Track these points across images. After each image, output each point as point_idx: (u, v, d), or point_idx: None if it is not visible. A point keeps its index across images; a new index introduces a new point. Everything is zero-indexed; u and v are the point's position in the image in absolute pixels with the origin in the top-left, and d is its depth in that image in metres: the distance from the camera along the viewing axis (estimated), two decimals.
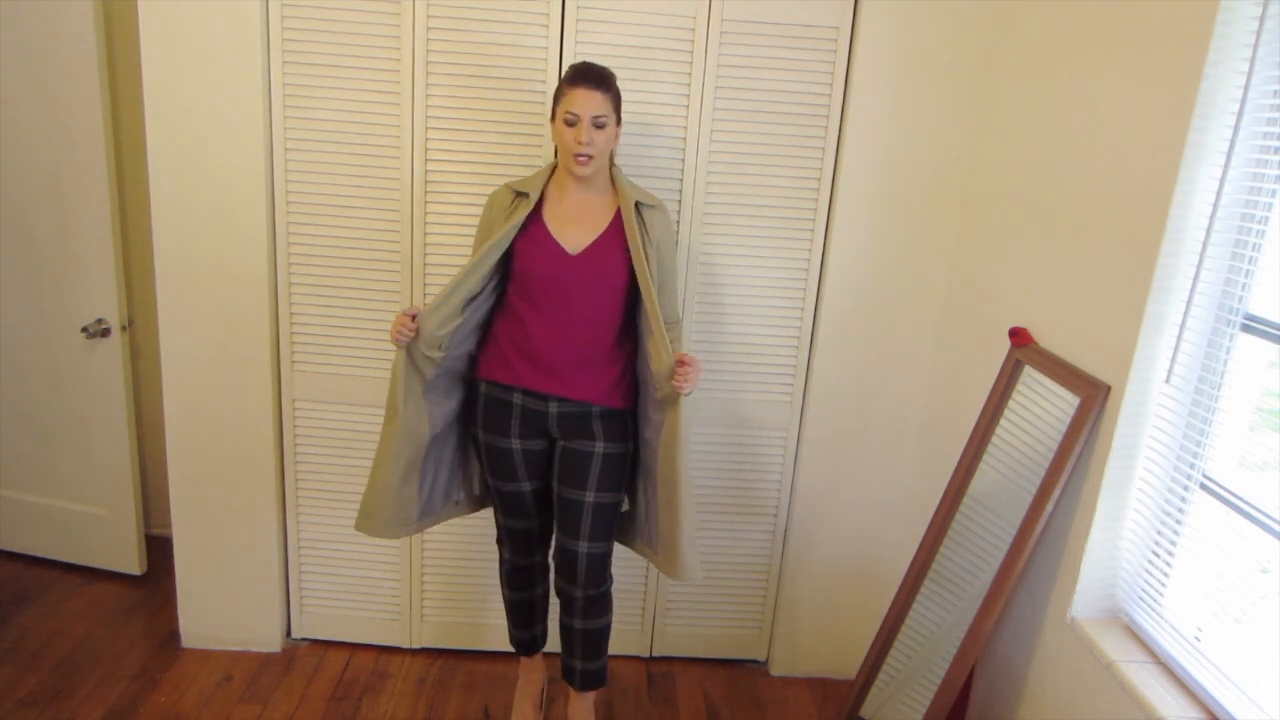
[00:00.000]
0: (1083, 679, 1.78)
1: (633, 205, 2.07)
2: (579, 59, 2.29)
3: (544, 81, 2.32)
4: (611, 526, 2.21)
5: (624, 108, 2.32)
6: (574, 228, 2.08)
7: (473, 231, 2.34)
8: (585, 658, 2.29)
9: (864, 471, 2.64)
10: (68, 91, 2.61)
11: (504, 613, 2.45)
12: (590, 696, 2.36)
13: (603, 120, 1.98)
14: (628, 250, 2.07)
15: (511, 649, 2.50)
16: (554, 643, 2.43)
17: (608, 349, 2.12)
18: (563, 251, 2.06)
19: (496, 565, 2.47)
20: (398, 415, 2.06)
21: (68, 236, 2.74)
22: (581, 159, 1.99)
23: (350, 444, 2.60)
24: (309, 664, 2.70)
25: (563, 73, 2.12)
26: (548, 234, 2.06)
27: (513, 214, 2.06)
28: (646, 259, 2.05)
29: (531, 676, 2.49)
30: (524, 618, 2.40)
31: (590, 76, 1.98)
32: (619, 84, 2.05)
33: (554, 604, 2.39)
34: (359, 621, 2.77)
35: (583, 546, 2.17)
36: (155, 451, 3.06)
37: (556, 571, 2.27)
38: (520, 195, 2.09)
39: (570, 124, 1.97)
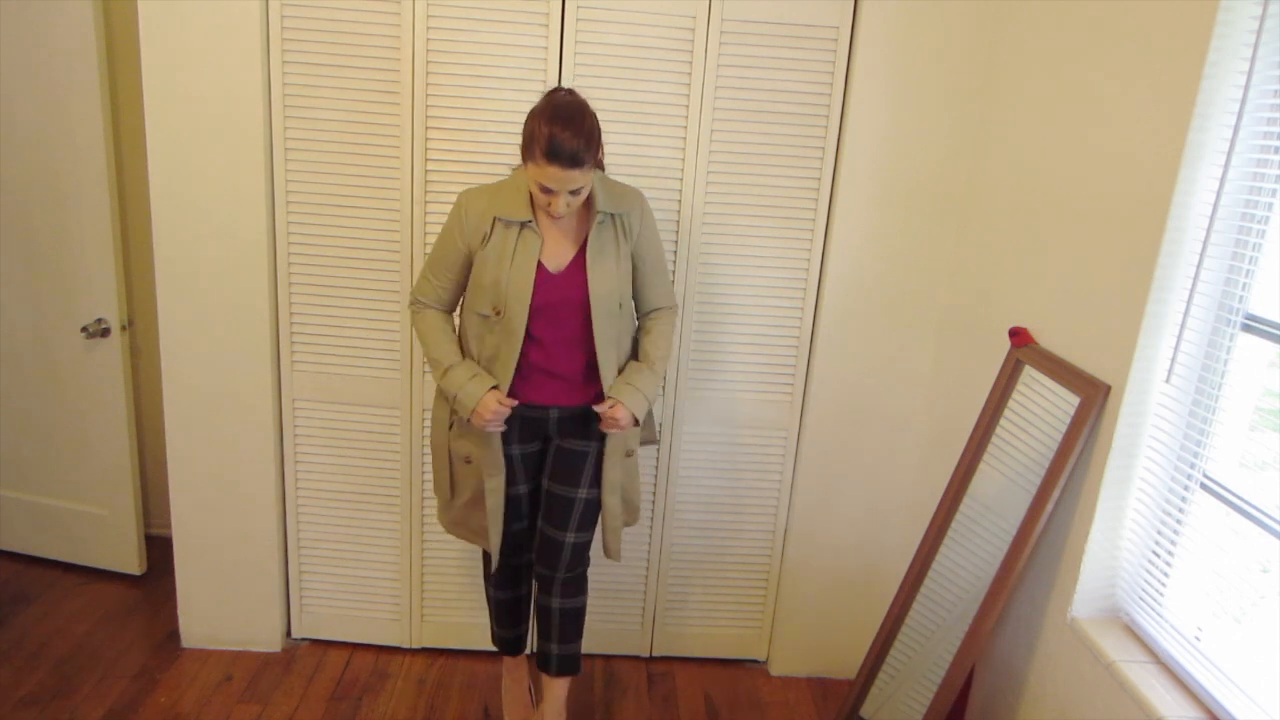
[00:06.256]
0: (1083, 679, 1.78)
1: (598, 222, 2.00)
2: (579, 59, 2.30)
3: (543, 81, 2.32)
4: (595, 516, 2.25)
5: (624, 107, 2.33)
6: (551, 245, 2.02)
7: None
8: (562, 640, 2.30)
9: (864, 471, 2.64)
10: (68, 91, 2.61)
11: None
12: (564, 685, 2.36)
13: (579, 189, 1.89)
14: (611, 261, 2.03)
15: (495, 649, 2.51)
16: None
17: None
18: (546, 272, 2.01)
19: (482, 566, 2.48)
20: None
21: (68, 236, 2.74)
22: (556, 216, 1.96)
23: (350, 444, 2.60)
24: (309, 664, 2.70)
25: (552, 88, 1.96)
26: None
27: (519, 245, 1.98)
28: (622, 267, 2.05)
29: (517, 675, 2.50)
30: (511, 616, 2.41)
31: (566, 157, 1.81)
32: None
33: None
34: (359, 621, 2.77)
35: (570, 537, 2.21)
36: (155, 451, 3.06)
37: (537, 559, 2.28)
38: (504, 222, 1.99)
39: (545, 191, 1.89)
